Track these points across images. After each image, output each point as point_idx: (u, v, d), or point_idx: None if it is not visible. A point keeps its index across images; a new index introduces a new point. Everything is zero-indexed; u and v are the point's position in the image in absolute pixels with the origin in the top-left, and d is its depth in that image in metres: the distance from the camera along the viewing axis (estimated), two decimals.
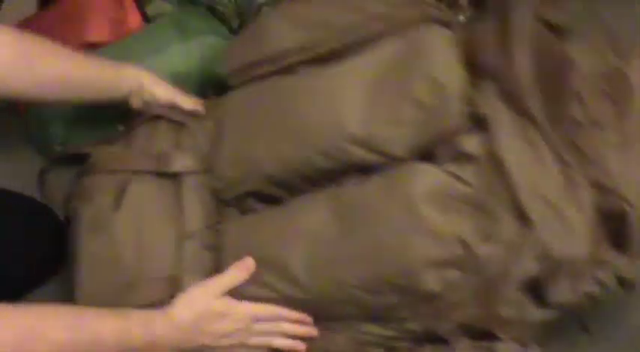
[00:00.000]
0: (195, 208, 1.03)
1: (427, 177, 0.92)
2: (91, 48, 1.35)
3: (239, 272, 0.98)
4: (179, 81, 1.32)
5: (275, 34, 1.09)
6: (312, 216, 0.96)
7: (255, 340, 1.00)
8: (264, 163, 1.01)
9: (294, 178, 1.01)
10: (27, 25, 1.41)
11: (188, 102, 1.16)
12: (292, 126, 1.00)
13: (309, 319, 0.99)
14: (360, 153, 0.96)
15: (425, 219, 0.90)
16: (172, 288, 0.99)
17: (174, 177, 1.05)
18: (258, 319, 0.98)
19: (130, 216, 1.03)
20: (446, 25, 1.01)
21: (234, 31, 1.44)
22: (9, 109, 1.40)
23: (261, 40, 1.10)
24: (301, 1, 1.12)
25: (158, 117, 1.13)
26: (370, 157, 0.96)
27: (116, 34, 1.38)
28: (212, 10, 1.42)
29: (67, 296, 1.24)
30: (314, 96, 0.99)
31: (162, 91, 1.15)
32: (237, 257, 0.98)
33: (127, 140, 1.12)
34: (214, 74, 1.38)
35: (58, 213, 1.25)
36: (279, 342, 1.00)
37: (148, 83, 1.15)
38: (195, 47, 1.35)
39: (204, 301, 0.96)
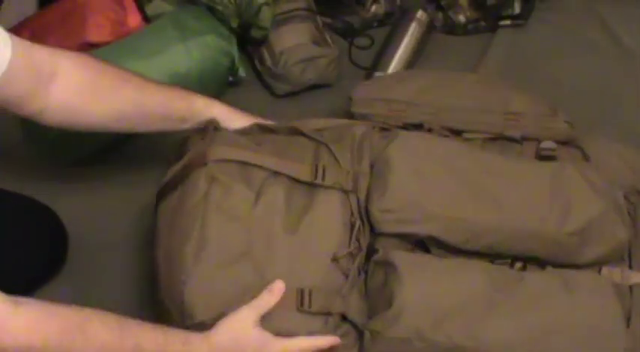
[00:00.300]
0: (332, 225, 1.03)
1: (613, 289, 1.03)
2: (91, 48, 1.35)
3: (272, 296, 0.97)
4: (179, 81, 1.32)
5: (418, 85, 1.20)
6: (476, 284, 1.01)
7: None
8: (444, 220, 1.04)
9: (464, 243, 1.05)
10: (27, 25, 1.41)
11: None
12: (485, 200, 1.05)
13: (338, 340, 1.00)
14: (541, 250, 1.05)
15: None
16: (297, 302, 0.98)
17: (312, 186, 1.05)
18: None
19: (264, 215, 1.02)
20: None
21: (233, 31, 1.44)
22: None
23: (404, 84, 1.20)
24: (456, 74, 1.28)
25: (294, 131, 1.13)
26: (545, 254, 1.06)
27: (116, 34, 1.38)
28: (212, 10, 1.42)
29: (69, 296, 1.24)
30: (508, 182, 1.07)
31: (239, 124, 1.14)
32: (417, 299, 0.98)
33: (252, 140, 1.10)
34: (214, 73, 1.39)
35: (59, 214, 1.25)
36: None
37: (222, 116, 1.13)
38: (195, 47, 1.35)
39: (243, 328, 0.96)
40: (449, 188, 1.05)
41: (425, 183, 1.05)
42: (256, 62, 1.51)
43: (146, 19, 1.43)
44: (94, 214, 1.32)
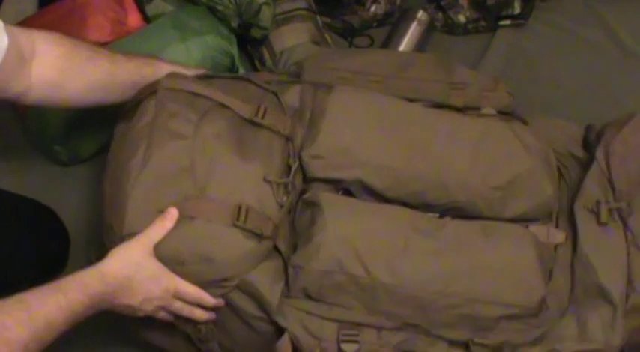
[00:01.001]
0: (273, 157, 1.07)
1: (529, 238, 1.07)
2: None
3: (167, 222, 0.98)
4: None
5: (369, 58, 1.23)
6: (404, 231, 1.05)
7: (163, 315, 1.02)
8: (371, 166, 1.08)
9: (391, 190, 1.09)
10: (27, 25, 1.41)
11: None
12: (414, 150, 1.09)
13: (222, 303, 1.02)
14: (465, 201, 1.09)
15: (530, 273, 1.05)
16: (234, 216, 1.00)
17: (254, 125, 1.09)
18: (180, 296, 1.00)
19: (207, 135, 1.05)
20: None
21: (233, 31, 1.44)
22: (10, 110, 1.40)
23: (354, 56, 1.24)
24: (406, 53, 1.35)
25: (243, 80, 1.17)
26: (470, 205, 1.10)
27: (116, 34, 1.38)
28: (212, 10, 1.42)
29: None
30: (438, 135, 1.11)
31: None
32: (338, 234, 1.01)
33: (206, 81, 1.14)
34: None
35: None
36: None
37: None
38: (196, 47, 1.35)
39: (135, 257, 0.96)
40: (379, 137, 1.10)
41: (356, 131, 1.10)
42: (256, 62, 1.51)
43: (146, 19, 1.43)
44: (93, 214, 1.32)
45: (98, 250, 1.03)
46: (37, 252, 1.20)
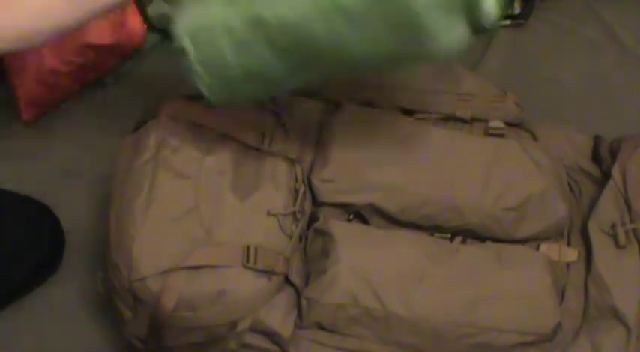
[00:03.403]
0: (277, 189, 1.05)
1: (545, 263, 1.06)
2: (92, 49, 1.36)
3: None
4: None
5: None
6: (411, 255, 1.04)
7: None
8: (383, 190, 1.07)
9: (404, 214, 1.08)
10: None
11: None
12: (425, 172, 1.08)
13: None
14: (478, 223, 1.08)
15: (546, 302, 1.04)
16: (244, 258, 0.98)
17: (259, 151, 1.07)
18: None
19: (211, 173, 1.03)
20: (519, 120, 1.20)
21: None
22: (10, 110, 1.40)
23: None
24: None
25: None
26: (482, 227, 1.09)
27: (116, 36, 1.38)
28: None
29: (67, 296, 1.25)
30: (449, 156, 1.10)
31: None
32: (352, 267, 1.00)
33: (203, 103, 1.09)
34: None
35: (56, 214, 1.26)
36: None
37: None
38: None
39: None
40: (390, 160, 1.09)
41: (367, 154, 1.09)
42: None
43: (146, 19, 1.43)
44: (93, 214, 1.32)
45: (105, 274, 1.03)
46: (31, 249, 1.20)
